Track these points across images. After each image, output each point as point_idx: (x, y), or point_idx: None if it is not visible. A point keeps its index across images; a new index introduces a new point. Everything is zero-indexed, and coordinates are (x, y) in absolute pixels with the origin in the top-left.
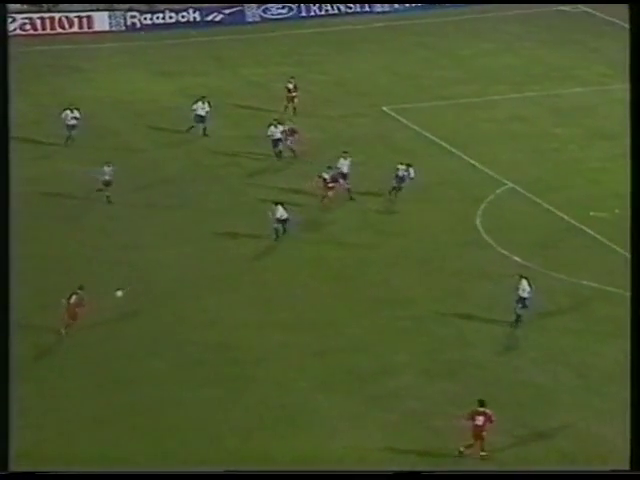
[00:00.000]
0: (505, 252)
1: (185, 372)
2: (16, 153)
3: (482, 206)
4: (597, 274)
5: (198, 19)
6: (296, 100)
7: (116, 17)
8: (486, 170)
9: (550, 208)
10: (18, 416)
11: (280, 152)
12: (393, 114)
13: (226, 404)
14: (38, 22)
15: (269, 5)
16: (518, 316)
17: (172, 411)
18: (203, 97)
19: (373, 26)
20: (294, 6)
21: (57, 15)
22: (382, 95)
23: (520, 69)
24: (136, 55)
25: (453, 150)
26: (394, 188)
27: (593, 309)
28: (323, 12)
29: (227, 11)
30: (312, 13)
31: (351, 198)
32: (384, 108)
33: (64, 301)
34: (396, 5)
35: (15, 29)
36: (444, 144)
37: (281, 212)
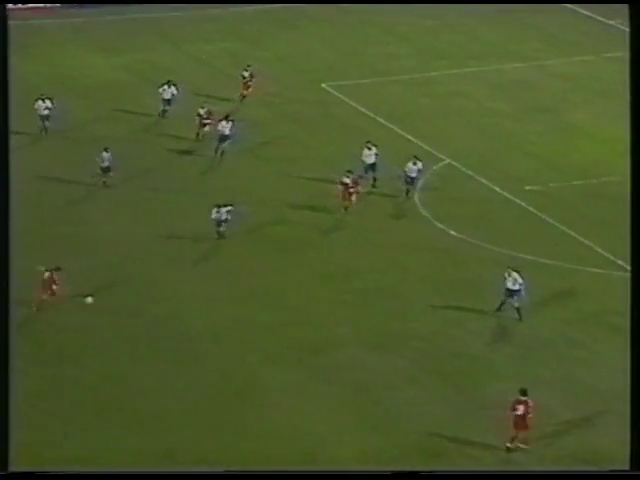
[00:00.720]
0: (441, 226)
1: (132, 346)
2: None
3: (420, 182)
4: (532, 246)
5: None
6: (250, 89)
7: None
8: (424, 146)
9: (485, 181)
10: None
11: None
12: (333, 91)
13: (174, 378)
14: None
15: None
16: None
17: (118, 386)
18: (169, 81)
19: (318, 5)
20: None
21: None
22: (324, 71)
23: (459, 45)
24: (79, 32)
25: (391, 126)
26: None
27: (529, 280)
28: None
29: None
30: None
31: (373, 186)
32: (323, 85)
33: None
34: None
35: None
36: (382, 120)
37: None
